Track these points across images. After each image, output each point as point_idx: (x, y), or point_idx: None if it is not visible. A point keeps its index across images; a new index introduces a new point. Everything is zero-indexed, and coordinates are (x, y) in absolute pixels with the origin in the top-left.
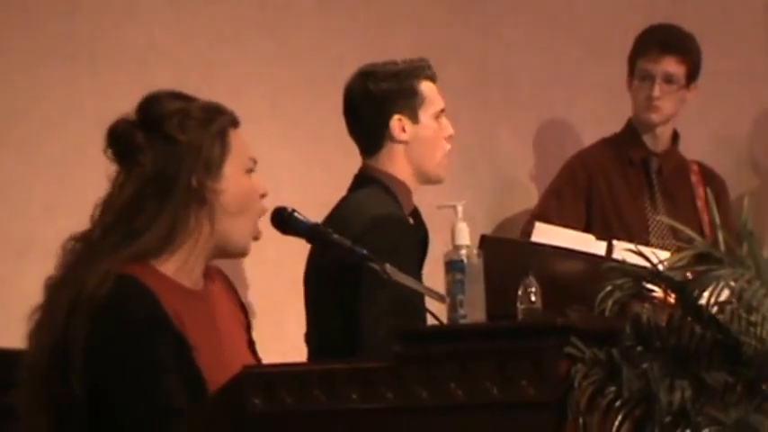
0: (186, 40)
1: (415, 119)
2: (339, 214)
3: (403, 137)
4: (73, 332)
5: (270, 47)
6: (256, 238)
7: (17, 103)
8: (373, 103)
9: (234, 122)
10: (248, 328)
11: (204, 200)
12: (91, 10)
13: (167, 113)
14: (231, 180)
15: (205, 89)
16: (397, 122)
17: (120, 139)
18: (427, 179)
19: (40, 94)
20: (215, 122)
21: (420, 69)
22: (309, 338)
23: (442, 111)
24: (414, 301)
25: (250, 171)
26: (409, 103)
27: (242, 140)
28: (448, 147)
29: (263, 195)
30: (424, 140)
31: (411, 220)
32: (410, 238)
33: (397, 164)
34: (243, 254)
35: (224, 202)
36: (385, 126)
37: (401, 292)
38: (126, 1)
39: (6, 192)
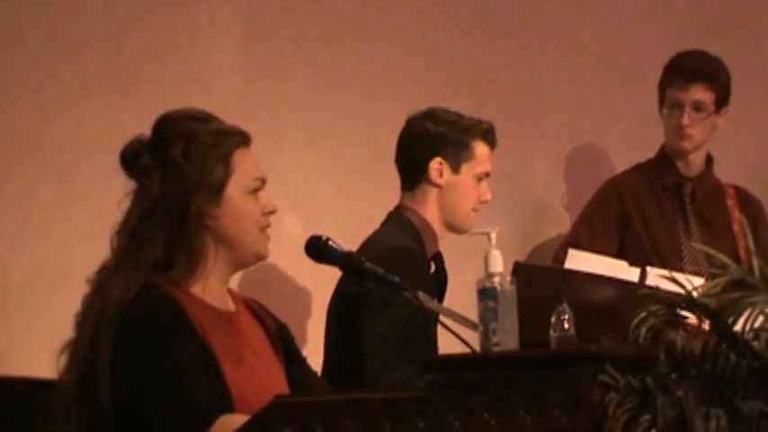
0: (226, 74)
1: (456, 169)
2: (363, 247)
3: (438, 181)
4: (99, 343)
5: (307, 82)
6: (263, 254)
7: (59, 133)
8: (423, 141)
9: (242, 143)
10: (291, 346)
11: (205, 225)
12: (134, 44)
13: (174, 137)
14: (233, 203)
15: (243, 122)
16: (436, 164)
17: (129, 160)
18: (452, 228)
19: (82, 126)
20: (220, 146)
21: (481, 130)
22: (323, 370)
23: (487, 175)
24: (420, 329)
25: (256, 191)
26: (457, 152)
27: (249, 160)
28: (478, 209)
29: (270, 212)
30: (456, 192)
31: (432, 265)
32: (420, 271)
33: (429, 206)
34: (260, 259)
35: (224, 226)
36: (425, 165)
37: (406, 320)
38: (168, 36)
39: (45, 221)
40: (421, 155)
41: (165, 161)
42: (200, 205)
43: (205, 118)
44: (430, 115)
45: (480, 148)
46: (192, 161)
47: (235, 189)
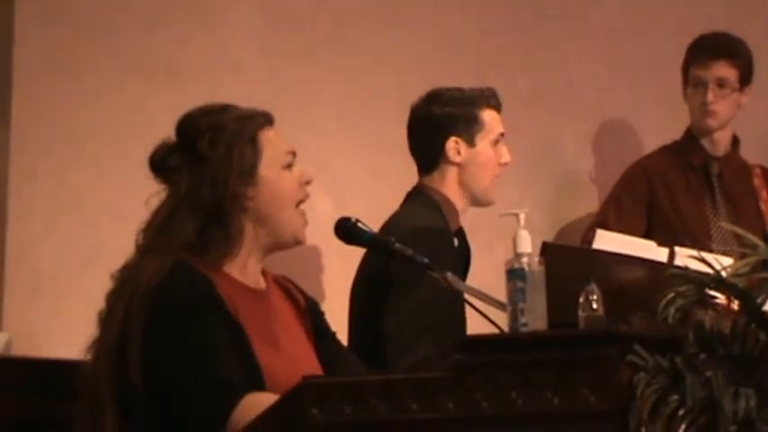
0: (259, 55)
1: (471, 143)
2: (385, 227)
3: (457, 159)
4: (131, 322)
5: (338, 60)
6: (300, 236)
7: (93, 116)
8: (433, 124)
9: (266, 122)
10: (320, 322)
11: (244, 208)
12: (168, 27)
13: (199, 132)
14: (268, 182)
15: (275, 102)
16: (453, 144)
17: (158, 166)
18: (477, 201)
19: (114, 109)
20: (245, 130)
21: (484, 98)
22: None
23: (502, 135)
24: (447, 309)
25: (290, 165)
26: (468, 127)
27: (275, 137)
28: (498, 172)
29: (307, 183)
30: (477, 164)
31: (455, 240)
32: (448, 249)
33: (448, 184)
34: (297, 242)
35: (263, 206)
36: (441, 147)
37: (429, 300)
38: (202, 18)
39: (78, 203)
40: (434, 139)
41: (194, 157)
42: (236, 189)
43: (224, 108)
44: (432, 98)
45: (488, 114)
46: (221, 150)
47: (268, 167)
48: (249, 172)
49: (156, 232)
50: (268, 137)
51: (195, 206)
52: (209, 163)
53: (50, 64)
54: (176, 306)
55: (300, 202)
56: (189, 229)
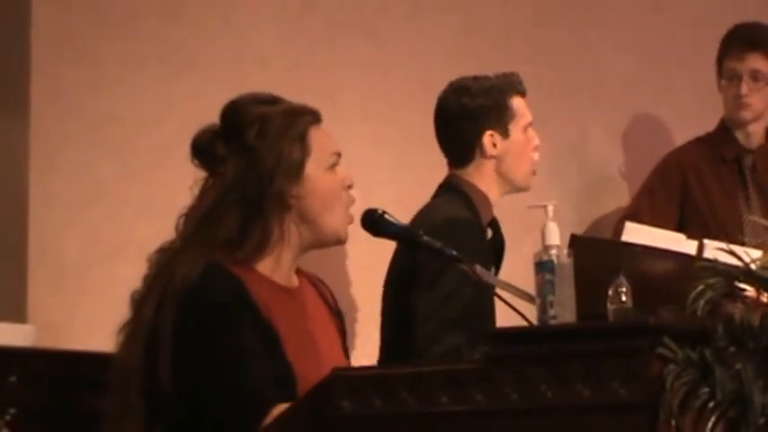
0: (280, 44)
1: (505, 134)
2: (416, 219)
3: (493, 152)
4: (161, 322)
5: (362, 51)
6: (343, 237)
7: (113, 106)
8: (467, 118)
9: (315, 120)
10: (343, 334)
11: (288, 206)
12: (188, 16)
13: (247, 122)
14: (313, 181)
15: (297, 93)
16: (488, 138)
17: (203, 151)
18: (515, 189)
19: (136, 98)
20: (294, 126)
21: (512, 85)
22: (382, 343)
23: (530, 123)
24: (473, 301)
25: (334, 166)
26: (501, 118)
27: (324, 137)
28: (536, 157)
29: (349, 187)
30: (513, 154)
31: (489, 231)
32: (477, 241)
33: (484, 177)
34: (339, 242)
35: (307, 205)
36: (477, 141)
37: (456, 291)
38: (222, 7)
39: (100, 194)
40: (469, 133)
41: (241, 147)
42: (281, 187)
43: (273, 100)
44: (462, 91)
45: (517, 102)
46: (269, 144)
47: (314, 167)
48: (296, 170)
49: (199, 223)
50: (317, 135)
51: (239, 200)
52: (255, 156)
53: (69, 53)
54: (206, 311)
55: (346, 207)
56: (231, 223)
